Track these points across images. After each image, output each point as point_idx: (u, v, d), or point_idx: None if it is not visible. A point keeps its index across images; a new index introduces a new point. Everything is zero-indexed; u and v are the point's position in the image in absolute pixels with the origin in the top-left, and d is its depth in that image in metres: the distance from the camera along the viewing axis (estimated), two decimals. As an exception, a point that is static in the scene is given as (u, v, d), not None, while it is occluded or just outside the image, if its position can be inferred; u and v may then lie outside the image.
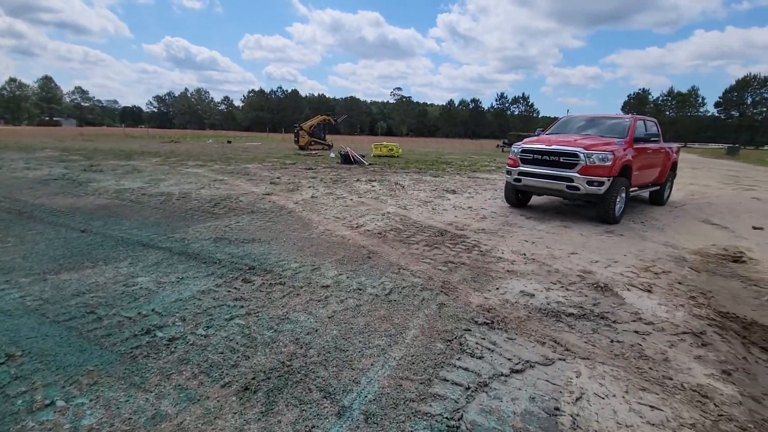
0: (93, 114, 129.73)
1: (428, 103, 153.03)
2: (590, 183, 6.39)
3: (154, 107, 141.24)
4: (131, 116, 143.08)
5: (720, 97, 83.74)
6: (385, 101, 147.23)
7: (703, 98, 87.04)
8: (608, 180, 6.36)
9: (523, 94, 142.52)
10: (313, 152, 24.05)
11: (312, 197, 8.54)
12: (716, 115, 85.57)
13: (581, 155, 6.41)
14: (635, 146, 7.09)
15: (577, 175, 6.45)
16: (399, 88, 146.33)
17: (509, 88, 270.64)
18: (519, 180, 7.22)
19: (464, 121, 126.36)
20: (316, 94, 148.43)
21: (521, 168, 7.17)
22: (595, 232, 6.20)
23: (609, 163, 6.37)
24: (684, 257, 5.18)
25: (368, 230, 5.91)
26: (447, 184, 11.36)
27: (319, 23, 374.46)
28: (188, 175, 11.62)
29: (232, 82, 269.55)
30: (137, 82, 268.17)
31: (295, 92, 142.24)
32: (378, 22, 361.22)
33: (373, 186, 10.42)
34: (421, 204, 8.11)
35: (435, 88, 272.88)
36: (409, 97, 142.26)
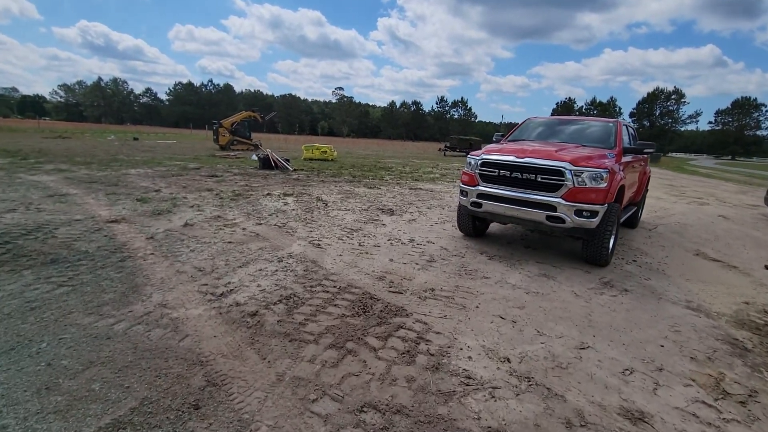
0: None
1: (370, 104, 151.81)
2: (579, 213, 4.45)
3: (60, 97, 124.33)
4: (32, 107, 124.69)
5: (634, 108, 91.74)
6: (326, 101, 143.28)
7: (620, 108, 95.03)
8: (603, 208, 4.46)
9: (462, 98, 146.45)
10: (233, 154, 20.68)
11: (185, 225, 5.80)
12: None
13: (567, 173, 4.44)
14: (623, 159, 5.31)
15: (561, 201, 4.48)
16: (341, 88, 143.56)
17: (447, 93, 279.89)
18: (478, 205, 5.13)
19: (406, 123, 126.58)
20: (252, 90, 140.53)
21: (481, 188, 5.08)
22: (590, 288, 4.25)
23: (605, 185, 4.47)
24: (734, 338, 3.35)
25: (238, 304, 3.41)
26: (384, 199, 9.10)
27: (258, 18, 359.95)
28: (24, 184, 8.19)
29: (161, 74, 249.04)
30: (46, 69, 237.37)
31: (228, 87, 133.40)
32: (320, 21, 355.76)
33: (285, 203, 7.85)
34: (343, 236, 5.73)
35: (377, 90, 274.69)
36: (351, 97, 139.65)
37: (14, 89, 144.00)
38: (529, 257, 5.22)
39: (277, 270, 4.22)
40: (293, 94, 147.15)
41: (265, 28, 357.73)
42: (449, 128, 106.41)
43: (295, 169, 14.10)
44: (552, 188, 4.56)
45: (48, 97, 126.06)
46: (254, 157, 16.63)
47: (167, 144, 28.15)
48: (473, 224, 5.82)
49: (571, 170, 4.45)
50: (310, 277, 4.08)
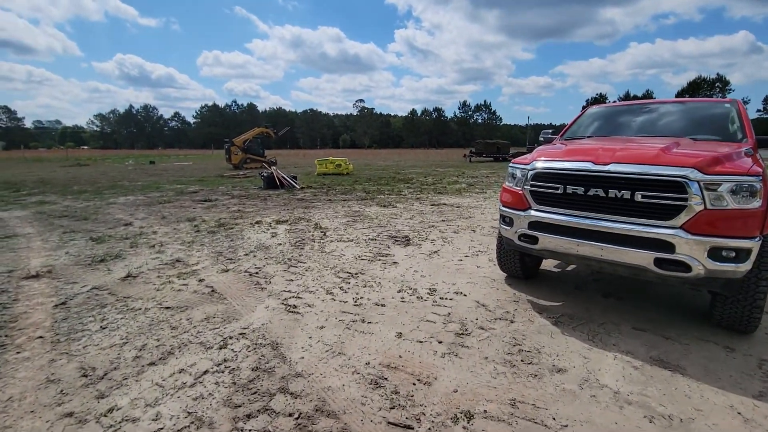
0: (24, 135, 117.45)
1: (391, 114, 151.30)
2: (717, 254, 2.58)
3: (96, 126, 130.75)
4: (72, 137, 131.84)
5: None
6: (348, 114, 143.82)
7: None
8: (757, 243, 2.56)
9: (485, 101, 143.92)
10: (241, 173, 19.56)
11: (125, 278, 4.30)
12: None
13: (693, 185, 2.59)
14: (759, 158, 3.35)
15: (682, 234, 2.61)
16: (361, 100, 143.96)
17: (469, 99, 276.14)
18: (532, 239, 3.33)
19: (428, 130, 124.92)
20: (276, 108, 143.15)
21: (536, 214, 3.28)
22: (758, 392, 2.34)
23: (759, 203, 2.58)
24: None
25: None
26: (399, 221, 7.38)
27: (279, 39, 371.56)
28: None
29: (191, 99, 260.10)
30: (88, 101, 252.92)
31: (252, 106, 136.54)
32: (339, 37, 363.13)
33: (274, 234, 6.27)
34: (335, 286, 4.05)
35: (398, 100, 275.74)
36: (372, 108, 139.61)
37: (57, 122, 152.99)
38: (618, 317, 3.34)
39: (208, 371, 2.57)
40: (315, 109, 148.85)
41: (286, 48, 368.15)
42: (473, 133, 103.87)
43: (302, 188, 12.62)
44: (664, 212, 2.71)
45: (85, 126, 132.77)
46: (264, 174, 15.36)
47: (181, 166, 27.63)
48: (521, 262, 4.00)
49: (699, 181, 2.59)
50: (257, 387, 2.40)
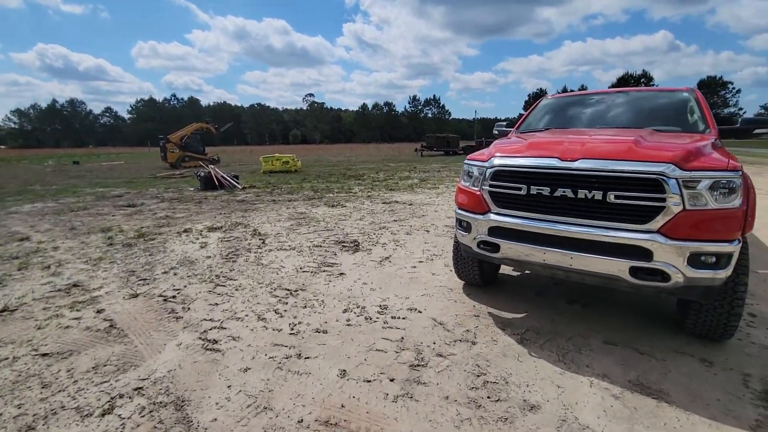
0: None
1: (342, 108, 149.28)
2: (697, 260, 2.28)
3: (14, 123, 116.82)
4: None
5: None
6: (298, 108, 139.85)
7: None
8: (736, 247, 2.29)
9: (434, 96, 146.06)
10: (178, 172, 17.95)
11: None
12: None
13: (671, 183, 2.26)
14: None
15: (660, 239, 2.29)
16: (311, 95, 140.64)
17: (418, 93, 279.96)
18: (493, 247, 2.92)
19: (380, 125, 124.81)
20: (221, 102, 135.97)
21: (497, 218, 2.86)
22: (744, 418, 2.07)
23: (739, 202, 2.31)
24: None
25: None
26: (348, 222, 6.81)
27: (222, 30, 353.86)
28: None
29: (126, 93, 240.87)
30: (5, 95, 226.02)
31: (193, 100, 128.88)
32: (285, 30, 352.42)
33: (203, 245, 5.46)
34: (270, 309, 3.42)
35: (349, 95, 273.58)
36: (323, 103, 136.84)
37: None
38: (586, 328, 3.03)
39: (76, 455, 1.87)
40: (263, 103, 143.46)
41: (230, 40, 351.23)
42: (424, 127, 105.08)
43: (244, 188, 11.64)
44: (639, 215, 2.37)
45: (1, 123, 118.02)
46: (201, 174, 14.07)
47: (111, 166, 25.09)
48: (480, 269, 3.60)
49: (678, 178, 2.28)
50: (144, 476, 1.75)
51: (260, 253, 5.05)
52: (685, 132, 3.27)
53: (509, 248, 2.83)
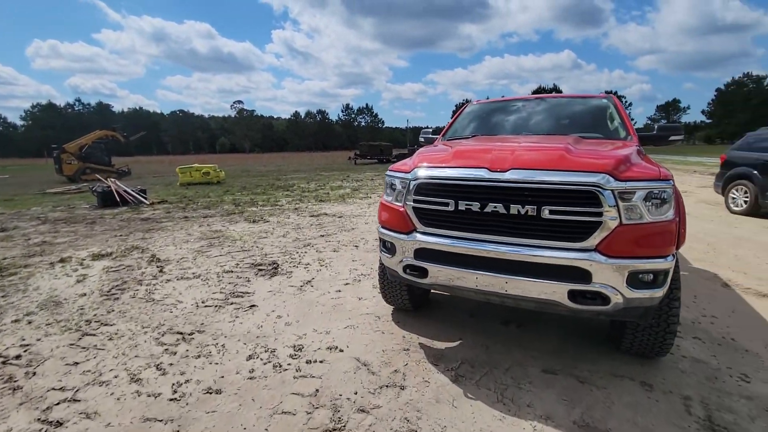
0: None
1: (274, 116, 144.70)
2: (636, 280, 2.07)
3: None
4: None
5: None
6: (226, 115, 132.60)
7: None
8: (671, 262, 2.12)
9: (366, 105, 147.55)
10: (74, 187, 15.64)
11: None
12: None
13: (607, 195, 2.03)
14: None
15: (599, 258, 2.05)
16: (240, 102, 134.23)
17: (351, 102, 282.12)
18: (420, 272, 2.52)
19: (313, 133, 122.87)
20: (137, 108, 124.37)
21: (423, 239, 2.47)
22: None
23: (672, 213, 2.14)
24: None
25: None
26: (269, 240, 6.11)
27: (137, 31, 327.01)
28: None
29: (21, 97, 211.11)
30: None
31: (103, 106, 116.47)
32: (210, 34, 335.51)
33: (82, 277, 4.45)
34: (148, 364, 2.69)
35: (280, 102, 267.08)
36: (253, 110, 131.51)
37: None
38: (523, 354, 2.74)
39: None
40: (186, 110, 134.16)
41: (147, 41, 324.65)
42: (358, 136, 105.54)
43: (153, 203, 10.29)
44: (576, 231, 2.11)
45: None
46: (92, 192, 12.26)
47: (-9, 180, 21.32)
48: (409, 293, 3.20)
49: (614, 189, 2.05)
50: None
51: (154, 285, 4.20)
52: (608, 139, 3.18)
53: (439, 273, 2.46)
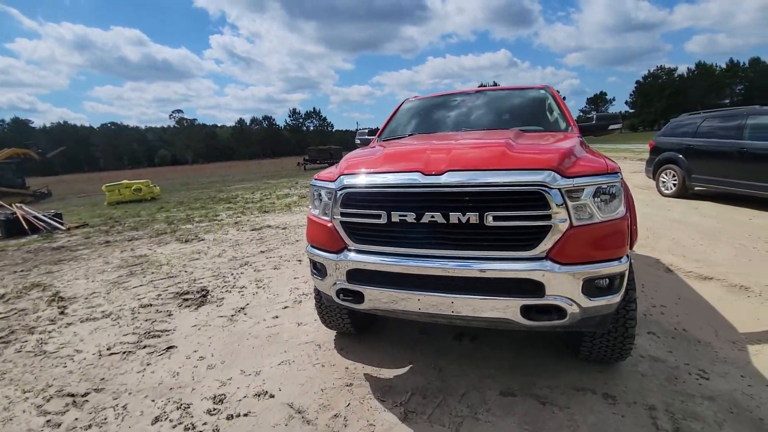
0: None
1: (218, 125, 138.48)
2: (591, 287, 1.84)
3: None
4: None
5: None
6: (164, 126, 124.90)
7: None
8: (626, 264, 1.91)
9: (314, 108, 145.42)
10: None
11: None
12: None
13: (554, 194, 1.78)
14: (583, 148, 2.96)
15: (551, 267, 1.80)
16: (179, 111, 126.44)
17: (299, 106, 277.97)
18: (357, 297, 2.16)
19: (260, 140, 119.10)
20: (62, 122, 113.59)
21: (357, 256, 2.12)
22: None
23: (623, 209, 1.95)
24: None
25: None
26: (200, 262, 5.49)
27: (57, 39, 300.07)
28: None
29: None
30: None
31: (20, 122, 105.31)
32: (140, 40, 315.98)
33: (-45, 332, 3.63)
34: (20, 445, 2.11)
35: (224, 110, 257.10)
36: (194, 119, 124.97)
37: None
38: (478, 374, 2.47)
39: None
40: (119, 122, 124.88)
41: (69, 50, 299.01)
42: (307, 140, 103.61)
43: (70, 228, 9.12)
44: (524, 239, 1.85)
45: None
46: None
47: None
48: (351, 316, 2.82)
49: (561, 188, 1.80)
50: None
51: (49, 333, 3.50)
52: (549, 131, 3.01)
53: (377, 296, 2.11)
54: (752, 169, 6.69)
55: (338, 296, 2.25)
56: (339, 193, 2.16)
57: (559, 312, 1.85)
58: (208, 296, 4.13)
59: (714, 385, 2.27)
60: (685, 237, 5.32)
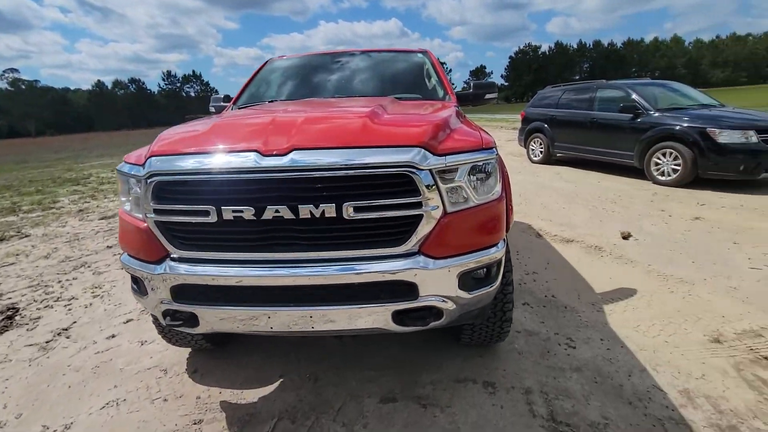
0: None
1: (71, 88, 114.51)
2: (467, 281, 1.61)
3: None
4: None
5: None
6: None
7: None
8: (502, 249, 1.74)
9: (193, 71, 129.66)
10: None
11: None
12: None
13: (422, 175, 1.47)
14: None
15: (424, 263, 1.51)
16: (14, 70, 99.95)
17: (177, 69, 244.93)
18: (189, 319, 1.65)
19: (128, 107, 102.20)
20: None
21: (182, 267, 1.59)
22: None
23: (498, 190, 1.74)
24: None
25: None
26: (15, 268, 4.22)
27: None
28: None
29: None
30: None
31: None
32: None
33: None
34: None
35: (79, 70, 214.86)
36: (36, 81, 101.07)
37: None
38: (356, 377, 2.18)
39: None
40: None
41: None
42: (188, 108, 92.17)
43: None
44: (391, 232, 1.52)
45: None
46: None
47: None
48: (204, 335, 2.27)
49: (432, 168, 1.49)
50: None
51: None
52: (426, 100, 2.73)
53: (213, 317, 1.61)
54: (599, 137, 7.60)
55: (166, 318, 1.69)
56: (149, 181, 1.56)
57: (436, 314, 1.60)
58: (17, 317, 3.12)
59: (580, 353, 2.33)
60: (552, 201, 5.79)
